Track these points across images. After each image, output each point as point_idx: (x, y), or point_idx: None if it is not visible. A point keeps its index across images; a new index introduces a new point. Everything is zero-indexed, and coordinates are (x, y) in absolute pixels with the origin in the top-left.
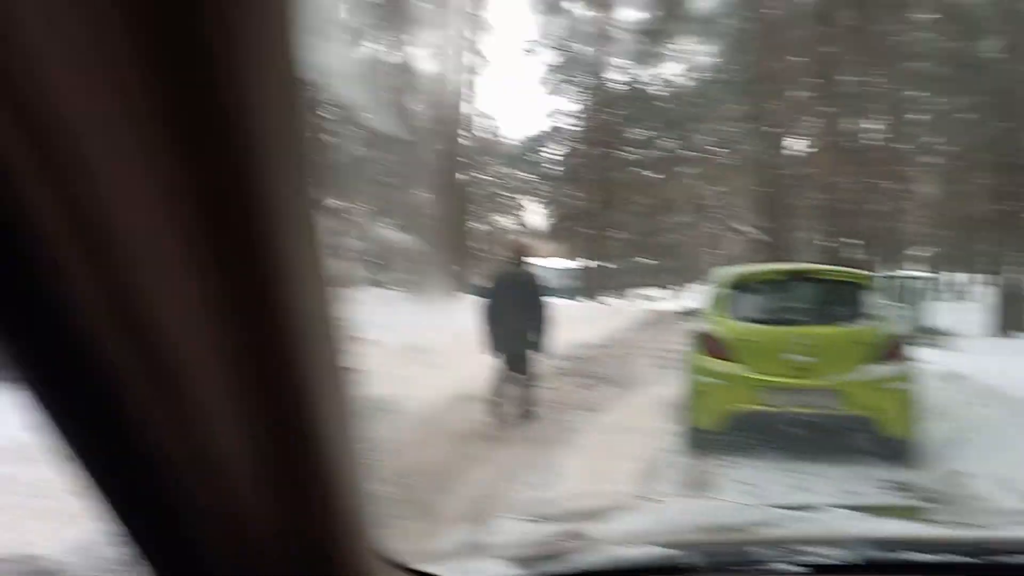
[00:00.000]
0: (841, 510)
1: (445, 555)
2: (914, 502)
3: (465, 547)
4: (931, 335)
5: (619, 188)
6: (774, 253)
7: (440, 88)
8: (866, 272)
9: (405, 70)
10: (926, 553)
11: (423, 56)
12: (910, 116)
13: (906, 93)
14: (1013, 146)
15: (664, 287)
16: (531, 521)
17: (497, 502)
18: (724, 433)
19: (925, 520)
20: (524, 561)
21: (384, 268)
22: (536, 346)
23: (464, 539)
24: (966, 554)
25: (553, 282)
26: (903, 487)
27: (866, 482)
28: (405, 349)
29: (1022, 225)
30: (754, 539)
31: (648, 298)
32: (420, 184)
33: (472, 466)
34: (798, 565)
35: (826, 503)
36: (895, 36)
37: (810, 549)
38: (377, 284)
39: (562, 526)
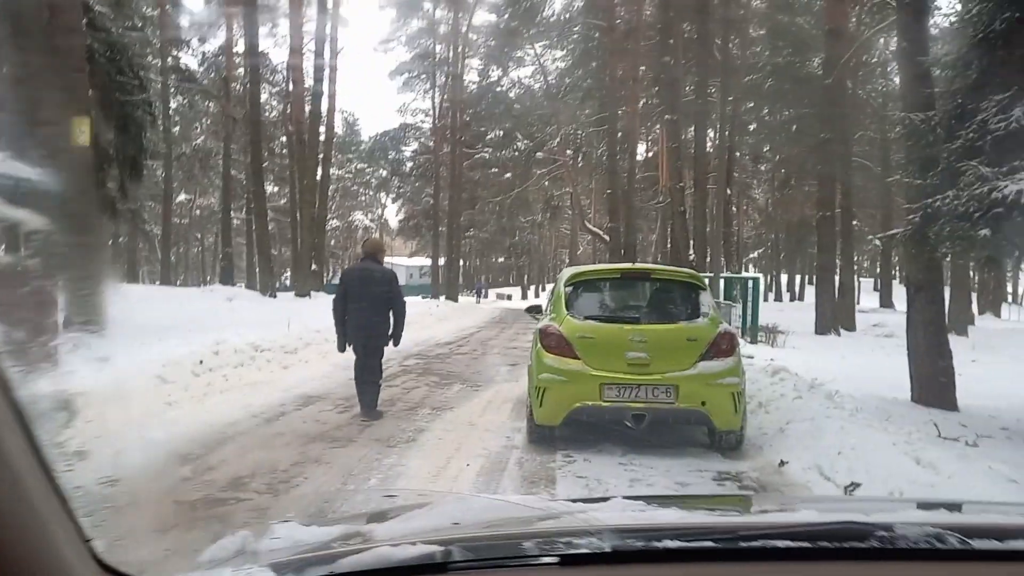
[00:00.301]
0: (626, 501)
1: (209, 564)
2: (735, 491)
3: (235, 554)
4: (761, 332)
5: (473, 187)
6: (621, 252)
7: (297, 80)
8: (701, 272)
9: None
10: (677, 540)
11: (277, 47)
12: (742, 125)
13: (739, 103)
14: (831, 156)
15: (517, 285)
16: (315, 524)
17: (315, 505)
18: (564, 427)
19: (714, 507)
20: (289, 566)
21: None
22: (388, 343)
23: (236, 546)
24: (713, 539)
25: (405, 279)
26: (730, 477)
27: (696, 473)
28: (248, 348)
29: (843, 229)
30: (516, 533)
31: (501, 296)
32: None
33: (308, 469)
34: (551, 555)
35: (615, 495)
36: (731, 50)
37: (565, 540)
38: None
39: (344, 528)
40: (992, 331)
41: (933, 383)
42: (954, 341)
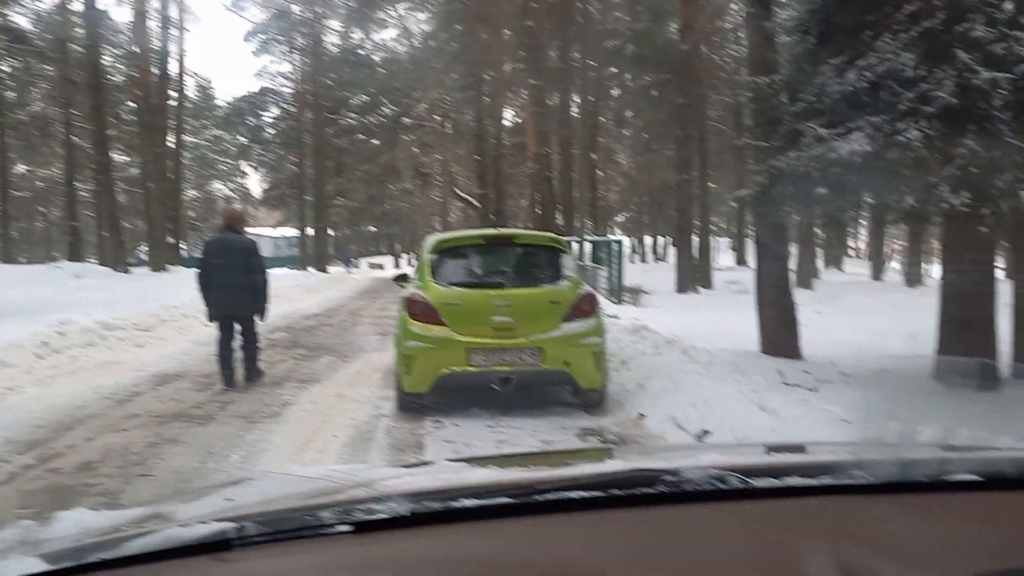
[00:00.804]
0: (448, 463)
1: None
2: (597, 445)
3: (15, 545)
4: (623, 292)
5: (340, 154)
6: (488, 218)
7: (141, 41)
8: (562, 236)
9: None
10: (475, 499)
11: (120, 4)
12: (606, 91)
13: (602, 69)
14: (689, 121)
15: (389, 253)
16: (106, 509)
17: (171, 487)
18: (432, 394)
19: (568, 462)
20: (67, 554)
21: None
22: (254, 317)
23: (16, 537)
24: (510, 495)
25: (272, 250)
26: (593, 432)
27: (561, 430)
28: (97, 327)
29: (700, 192)
30: (316, 504)
31: (374, 265)
32: None
33: (164, 450)
34: (346, 523)
35: (441, 459)
36: (592, 14)
37: (364, 507)
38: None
39: (142, 511)
40: (835, 284)
41: (779, 334)
42: (800, 294)
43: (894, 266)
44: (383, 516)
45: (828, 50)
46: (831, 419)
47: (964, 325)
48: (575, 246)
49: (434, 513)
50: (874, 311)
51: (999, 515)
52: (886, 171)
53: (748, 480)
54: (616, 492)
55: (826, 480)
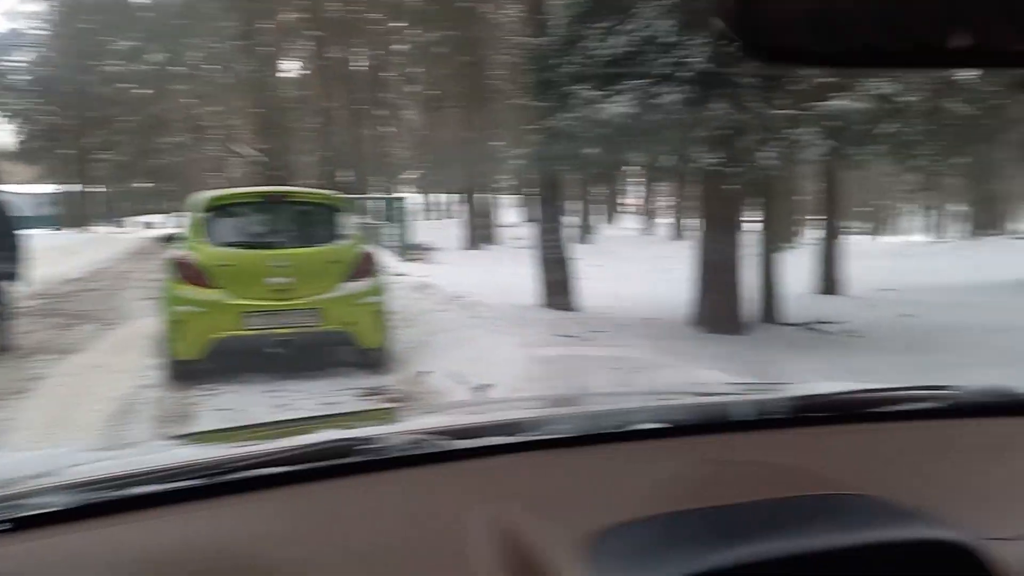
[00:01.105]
0: (163, 442)
1: None
2: (378, 405)
3: None
4: (411, 250)
5: (102, 104)
6: (271, 175)
7: None
8: (342, 193)
9: None
10: (155, 484)
11: None
12: (392, 46)
13: (389, 22)
14: (473, 79)
15: (160, 212)
16: None
17: None
18: (205, 361)
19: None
20: None
21: None
22: (7, 283)
23: None
24: (196, 477)
25: (26, 209)
26: (376, 392)
27: (344, 392)
28: None
29: (487, 150)
30: None
31: (143, 225)
32: None
33: None
34: (5, 521)
35: (156, 438)
36: None
37: (27, 500)
38: None
39: None
40: (611, 239)
41: (558, 288)
42: (579, 249)
43: (665, 221)
44: (48, 510)
45: (596, 14)
46: (601, 367)
47: (718, 276)
48: (362, 204)
49: (110, 503)
50: (645, 264)
51: (679, 460)
52: (648, 132)
53: (446, 443)
54: (311, 465)
55: (522, 437)
